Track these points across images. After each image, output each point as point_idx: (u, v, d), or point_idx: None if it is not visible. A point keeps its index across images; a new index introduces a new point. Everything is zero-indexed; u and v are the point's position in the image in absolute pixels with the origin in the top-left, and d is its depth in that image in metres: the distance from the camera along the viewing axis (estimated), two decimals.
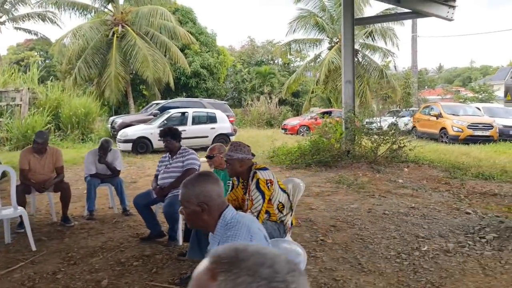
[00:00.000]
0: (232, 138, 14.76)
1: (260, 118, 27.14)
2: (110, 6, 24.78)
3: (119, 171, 6.28)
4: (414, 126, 18.27)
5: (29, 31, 27.12)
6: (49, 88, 17.37)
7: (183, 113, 14.36)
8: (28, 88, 15.69)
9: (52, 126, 15.49)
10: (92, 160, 6.09)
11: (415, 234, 4.99)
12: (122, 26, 23.91)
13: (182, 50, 30.83)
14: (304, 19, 26.38)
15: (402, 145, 10.09)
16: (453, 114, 15.92)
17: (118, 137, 13.82)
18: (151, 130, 13.58)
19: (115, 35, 23.68)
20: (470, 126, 14.93)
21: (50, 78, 25.55)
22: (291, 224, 3.73)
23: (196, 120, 14.25)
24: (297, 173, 9.43)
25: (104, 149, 6.09)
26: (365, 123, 24.08)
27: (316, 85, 27.51)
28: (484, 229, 5.02)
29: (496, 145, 14.10)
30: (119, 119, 16.36)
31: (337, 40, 27.60)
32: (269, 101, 29.09)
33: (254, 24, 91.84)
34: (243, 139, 17.47)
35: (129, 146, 13.31)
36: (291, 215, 3.65)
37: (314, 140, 10.74)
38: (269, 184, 3.46)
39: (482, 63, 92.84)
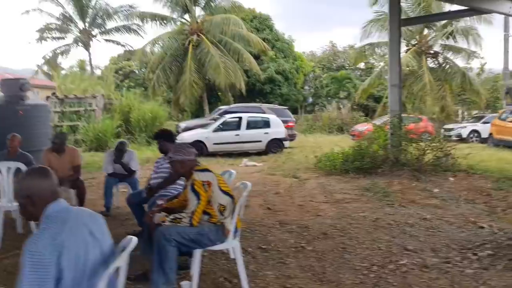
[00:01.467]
0: (287, 143, 14.81)
1: (331, 124, 26.69)
2: (187, 16, 26.09)
3: (134, 171, 6.67)
4: (491, 133, 16.76)
5: (118, 43, 29.64)
6: (124, 95, 18.86)
7: (238, 118, 14.70)
8: (103, 95, 17.22)
9: (122, 129, 16.79)
10: (110, 160, 6.57)
11: (405, 246, 4.66)
12: (198, 35, 25.10)
13: (257, 57, 31.55)
14: (378, 22, 25.43)
15: (448, 152, 9.38)
16: None
17: (176, 140, 14.54)
18: (206, 134, 14.14)
19: (191, 44, 24.91)
20: None
21: (135, 86, 27.76)
22: (236, 228, 3.72)
23: (250, 125, 14.51)
24: (330, 179, 9.24)
25: (119, 150, 6.53)
26: (442, 130, 22.74)
27: None
28: (484, 245, 4.54)
29: None
30: (183, 124, 17.24)
31: (415, 42, 26.29)
32: (342, 106, 28.48)
33: (338, 29, 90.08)
34: (303, 145, 17.44)
35: None
36: (232, 218, 3.65)
37: (358, 146, 10.39)
38: (206, 185, 3.51)
39: None
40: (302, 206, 6.90)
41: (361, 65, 38.37)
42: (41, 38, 27.46)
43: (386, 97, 28.04)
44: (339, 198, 7.41)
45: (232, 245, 3.71)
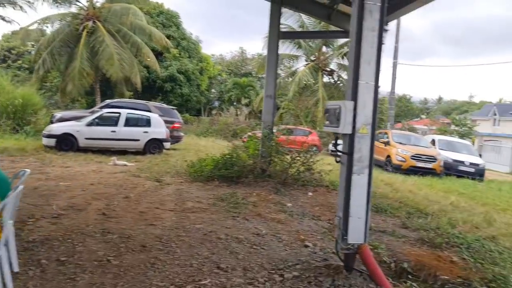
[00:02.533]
0: (168, 145, 14.25)
1: (226, 129, 26.62)
2: (83, 0, 24.37)
3: None
4: None
5: (2, 18, 26.73)
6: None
7: (117, 114, 13.81)
8: None
9: None
10: None
11: (218, 264, 4.41)
12: (94, 22, 23.53)
13: (160, 54, 30.55)
14: None
15: (309, 167, 9.55)
16: (401, 143, 15.42)
17: (43, 131, 13.30)
18: (77, 128, 13.06)
19: (85, 30, 23.27)
20: (414, 156, 14.43)
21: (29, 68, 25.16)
22: None
23: (129, 122, 13.69)
24: (192, 186, 8.90)
25: None
26: (331, 145, 23.67)
27: (289, 101, 27.10)
28: (295, 266, 4.46)
29: (432, 179, 13.58)
30: (58, 114, 15.83)
31: (314, 58, 27.29)
32: (239, 112, 28.62)
33: (254, 36, 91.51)
34: (190, 148, 16.98)
35: (52, 142, 12.76)
36: None
37: (229, 154, 10.17)
38: None
39: (482, 98, 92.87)
40: (143, 213, 6.42)
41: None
42: None
43: (283, 108, 28.94)
44: (189, 206, 7.06)
45: None
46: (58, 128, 13.09)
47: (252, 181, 9.40)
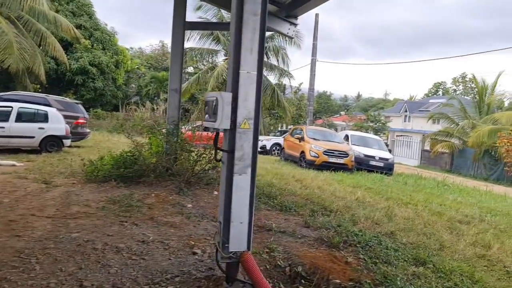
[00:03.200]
0: (68, 142, 13.07)
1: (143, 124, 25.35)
2: None
3: None
4: (283, 148, 17.75)
5: None
6: None
7: (8, 108, 12.38)
8: None
9: None
10: None
11: (82, 282, 3.79)
12: None
13: (71, 44, 28.52)
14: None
15: (215, 164, 9.11)
16: (314, 139, 15.53)
17: None
18: None
19: None
20: (326, 152, 14.57)
21: None
22: None
23: (22, 117, 12.34)
24: (86, 188, 8.06)
25: None
26: None
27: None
28: (174, 279, 3.97)
29: (344, 174, 13.79)
30: None
31: None
32: (157, 107, 27.55)
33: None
34: (98, 145, 15.81)
35: None
36: None
37: (130, 152, 9.39)
38: None
39: (396, 95, 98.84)
40: (13, 221, 5.55)
41: (190, 69, 38.18)
42: None
43: (202, 102, 28.29)
44: (72, 212, 6.28)
45: None
46: None
47: (154, 180, 8.73)
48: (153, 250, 4.82)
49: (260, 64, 3.74)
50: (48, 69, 26.97)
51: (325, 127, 27.34)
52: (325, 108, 52.70)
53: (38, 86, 28.05)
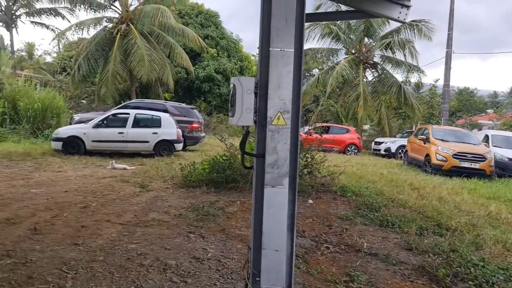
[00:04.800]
0: (180, 146, 13.35)
1: None
2: (117, 4, 24.29)
3: None
4: (406, 151, 15.86)
5: (46, 26, 27.46)
6: (23, 81, 16.96)
7: (125, 114, 13.12)
8: None
9: (7, 118, 14.95)
10: None
11: None
12: (127, 25, 23.36)
13: (199, 54, 30.08)
14: (318, 27, 24.36)
15: (313, 169, 8.15)
16: (442, 140, 13.39)
17: (52, 134, 12.91)
18: (84, 130, 12.50)
19: (119, 33, 23.16)
20: (457, 155, 12.39)
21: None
22: None
23: (138, 123, 12.95)
24: (176, 193, 7.86)
25: None
26: (373, 143, 21.86)
27: (327, 98, 25.43)
28: None
29: (479, 182, 11.53)
30: (77, 116, 15.52)
31: (355, 51, 25.40)
32: None
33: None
34: (213, 150, 16.02)
35: (59, 145, 12.30)
36: None
37: (223, 156, 8.98)
38: None
39: None
40: (84, 228, 5.43)
41: (315, 70, 37.48)
42: None
43: (322, 105, 27.28)
44: (148, 219, 5.99)
45: None
46: (65, 131, 12.63)
47: (246, 187, 8.16)
48: (203, 270, 4.16)
49: (300, 39, 2.80)
50: (178, 78, 28.79)
51: (467, 127, 24.01)
52: (466, 106, 47.04)
53: (172, 94, 30.19)
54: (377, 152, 21.53)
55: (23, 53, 38.85)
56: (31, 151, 12.21)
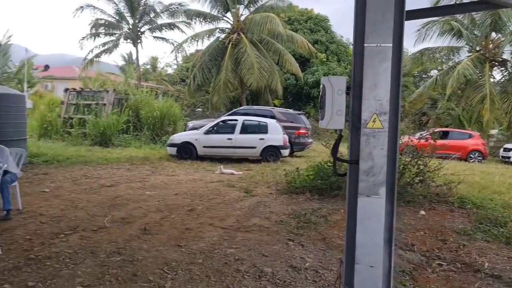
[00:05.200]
0: (286, 152, 13.36)
1: None
2: (229, 14, 25.36)
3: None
4: None
5: (166, 40, 29.75)
6: (145, 91, 18.56)
7: (234, 121, 13.54)
8: (114, 89, 17.00)
9: (132, 124, 16.43)
10: None
11: None
12: (238, 34, 24.29)
13: (308, 59, 30.10)
14: (437, 24, 22.68)
15: (423, 178, 7.47)
16: None
17: (168, 141, 13.84)
18: (196, 136, 13.18)
19: (231, 43, 24.17)
20: None
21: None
22: None
23: (246, 129, 13.26)
24: (279, 199, 7.84)
25: None
26: (502, 149, 19.58)
27: (447, 100, 23.49)
28: None
29: None
30: (190, 123, 16.45)
31: (479, 48, 23.13)
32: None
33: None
34: (320, 156, 15.78)
35: (174, 150, 13.14)
36: None
37: (327, 162, 8.70)
38: None
39: None
40: (188, 230, 5.64)
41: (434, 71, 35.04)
42: (95, 34, 28.35)
43: (440, 108, 25.24)
44: (249, 224, 6.03)
45: None
46: (179, 137, 13.44)
47: None
48: (299, 280, 4.00)
49: (399, 32, 2.52)
50: (287, 84, 29.07)
51: None
52: None
53: (281, 100, 30.58)
54: (506, 159, 19.27)
55: (148, 66, 42.75)
56: (149, 156, 13.23)
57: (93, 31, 27.93)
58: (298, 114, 16.59)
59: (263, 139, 13.01)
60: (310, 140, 15.80)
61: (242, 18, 25.42)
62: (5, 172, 5.89)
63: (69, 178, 9.28)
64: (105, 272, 4.06)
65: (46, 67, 27.39)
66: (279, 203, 7.54)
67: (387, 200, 2.54)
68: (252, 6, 25.70)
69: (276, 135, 13.11)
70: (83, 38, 27.68)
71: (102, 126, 15.20)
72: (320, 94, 2.61)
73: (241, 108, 17.22)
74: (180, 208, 6.89)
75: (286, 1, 25.62)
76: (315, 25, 32.43)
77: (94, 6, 27.52)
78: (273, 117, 15.02)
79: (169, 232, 5.52)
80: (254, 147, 13.01)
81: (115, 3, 28.65)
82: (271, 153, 13.01)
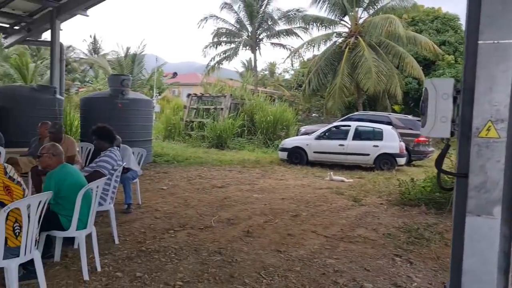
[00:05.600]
0: (402, 160, 12.59)
1: None
2: (347, 18, 24.91)
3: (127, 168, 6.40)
4: None
5: (283, 46, 30.27)
6: (260, 96, 19.10)
7: (347, 127, 13.17)
8: (231, 94, 17.75)
9: (245, 129, 17.02)
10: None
11: None
12: (356, 38, 23.74)
13: (433, 62, 28.21)
14: None
15: None
16: None
17: (279, 145, 14.00)
18: (307, 141, 13.11)
19: (347, 47, 23.71)
20: None
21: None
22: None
23: (359, 135, 12.79)
24: (389, 210, 7.39)
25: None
26: None
27: None
28: None
29: None
30: (303, 128, 16.45)
31: None
32: None
33: None
34: (426, 165, 14.61)
35: (285, 155, 13.26)
36: None
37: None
38: None
39: None
40: (289, 236, 5.58)
41: None
42: (217, 42, 30.10)
43: None
44: (353, 235, 5.76)
45: (6, 265, 3.10)
46: (290, 142, 13.52)
47: None
48: None
49: None
50: (408, 89, 27.48)
51: None
52: None
53: (401, 106, 29.01)
54: None
55: (266, 72, 43.95)
56: (261, 160, 13.52)
57: (215, 39, 29.66)
58: (418, 120, 15.49)
59: (377, 146, 12.43)
60: (431, 149, 14.67)
61: (361, 21, 24.74)
62: (127, 169, 6.46)
63: (185, 177, 9.90)
64: (204, 270, 4.19)
65: (174, 74, 29.83)
66: (390, 214, 7.09)
67: (503, 222, 2.18)
68: (371, 8, 24.91)
69: (391, 142, 12.42)
70: (206, 46, 29.60)
71: (218, 130, 15.99)
72: (422, 98, 2.34)
73: (356, 113, 16.72)
74: (285, 213, 6.87)
75: (410, 1, 24.33)
76: (443, 24, 30.11)
77: (217, 16, 29.22)
78: (389, 123, 14.29)
79: (270, 236, 5.52)
80: (367, 154, 12.49)
81: (235, 12, 30.09)
82: (385, 161, 12.36)
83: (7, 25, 12.84)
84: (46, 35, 12.50)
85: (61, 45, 12.18)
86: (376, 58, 22.73)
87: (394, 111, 25.61)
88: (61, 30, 11.94)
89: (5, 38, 13.58)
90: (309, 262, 4.55)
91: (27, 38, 12.93)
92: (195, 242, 5.09)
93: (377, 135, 12.68)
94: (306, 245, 5.21)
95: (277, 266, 4.38)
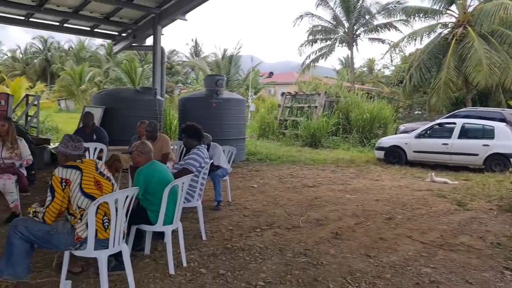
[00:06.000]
0: None
1: None
2: (453, 7, 23.06)
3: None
4: None
5: (382, 41, 28.95)
6: (356, 93, 18.46)
7: (451, 124, 12.09)
8: (325, 92, 17.34)
9: (341, 127, 16.55)
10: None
11: None
12: (464, 28, 21.88)
13: None
14: None
15: None
16: None
17: (376, 144, 13.35)
18: (406, 140, 12.31)
19: (454, 38, 21.93)
20: None
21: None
22: (98, 238, 3.24)
23: (466, 134, 11.66)
24: (500, 217, 6.61)
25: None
26: None
27: None
28: None
29: None
30: (402, 126, 15.51)
31: None
32: None
33: None
34: None
35: (381, 154, 12.61)
36: (85, 224, 3.20)
37: None
38: (64, 183, 3.20)
39: None
40: (381, 240, 5.21)
41: None
42: (313, 40, 29.78)
43: None
44: (456, 242, 5.20)
45: (97, 256, 3.26)
46: (387, 140, 12.82)
47: None
48: None
49: None
50: None
51: None
52: None
53: None
54: None
55: (364, 69, 42.50)
56: (356, 159, 13.02)
57: (310, 37, 29.35)
58: None
59: (487, 145, 11.22)
60: None
61: (470, 9, 22.67)
62: (217, 167, 6.58)
63: (277, 176, 9.86)
64: (288, 271, 4.05)
65: (270, 74, 30.16)
66: (500, 221, 6.32)
67: None
68: None
69: (505, 141, 11.13)
70: (302, 45, 29.40)
71: (312, 128, 15.76)
72: None
73: (463, 109, 15.31)
74: (378, 216, 6.47)
75: None
76: None
77: (313, 14, 28.89)
78: (503, 120, 12.83)
79: (360, 239, 5.21)
80: (476, 154, 11.33)
81: (331, 8, 29.47)
82: (497, 161, 11.11)
83: (116, 33, 14.02)
84: (150, 41, 13.33)
85: (162, 49, 12.92)
86: (488, 49, 20.63)
87: (509, 106, 23.05)
88: (163, 35, 12.65)
89: (114, 45, 14.79)
90: (401, 270, 4.19)
91: (133, 44, 13.95)
92: (281, 242, 4.99)
93: (487, 133, 11.46)
94: (399, 251, 4.81)
95: (365, 272, 4.09)
